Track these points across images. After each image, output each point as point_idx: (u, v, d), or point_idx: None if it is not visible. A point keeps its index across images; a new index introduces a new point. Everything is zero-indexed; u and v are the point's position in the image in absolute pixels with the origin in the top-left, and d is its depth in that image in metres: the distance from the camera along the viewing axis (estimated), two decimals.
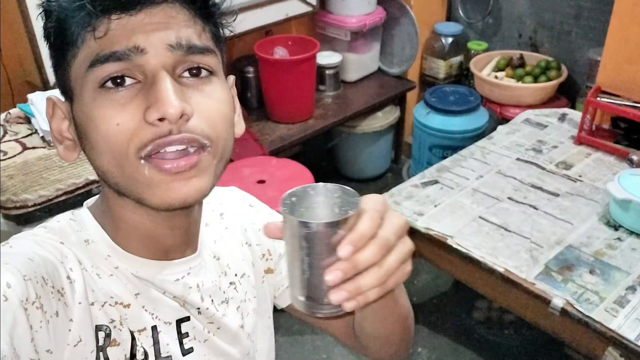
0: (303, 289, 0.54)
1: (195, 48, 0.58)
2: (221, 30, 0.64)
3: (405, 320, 0.76)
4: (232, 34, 0.66)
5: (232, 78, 0.68)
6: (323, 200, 0.56)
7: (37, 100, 1.60)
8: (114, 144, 0.56)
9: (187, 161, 0.56)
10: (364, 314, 0.71)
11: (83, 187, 1.50)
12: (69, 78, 0.59)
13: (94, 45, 0.55)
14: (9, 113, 1.68)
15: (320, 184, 0.57)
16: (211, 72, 0.60)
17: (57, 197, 1.47)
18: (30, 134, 1.60)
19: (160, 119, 0.54)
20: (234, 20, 0.65)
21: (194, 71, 0.58)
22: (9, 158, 1.50)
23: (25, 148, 1.55)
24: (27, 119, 1.65)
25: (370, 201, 0.54)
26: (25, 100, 1.68)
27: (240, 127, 0.68)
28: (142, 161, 0.56)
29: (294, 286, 0.55)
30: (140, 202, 0.59)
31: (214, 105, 0.59)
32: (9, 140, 1.58)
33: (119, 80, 0.56)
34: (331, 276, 0.50)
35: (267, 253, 0.82)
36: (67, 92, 0.60)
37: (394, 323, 0.74)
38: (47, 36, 0.59)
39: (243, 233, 0.80)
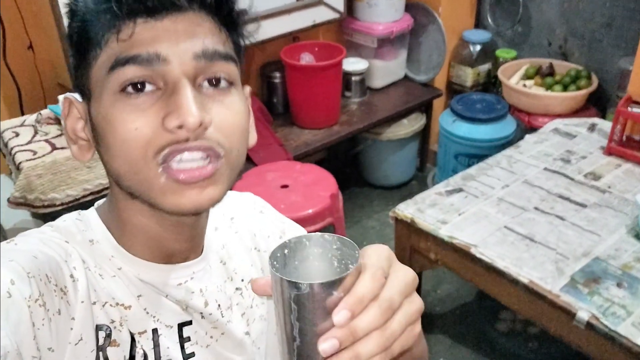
0: (294, 358, 0.47)
1: (219, 54, 0.58)
2: (242, 41, 0.64)
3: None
4: (252, 43, 0.67)
5: (247, 89, 0.69)
6: (319, 252, 0.50)
7: None
8: (130, 148, 0.56)
9: (202, 172, 0.57)
10: None
11: (109, 187, 1.52)
12: (89, 78, 0.59)
13: (117, 47, 0.56)
14: (40, 114, 1.71)
15: (317, 234, 0.50)
16: (231, 83, 0.60)
17: (83, 196, 1.50)
18: (60, 135, 1.63)
19: (179, 127, 0.54)
20: (257, 30, 0.65)
21: (214, 81, 0.59)
22: (38, 157, 1.53)
23: (54, 148, 1.58)
24: (57, 120, 1.68)
25: (373, 255, 0.48)
26: (55, 102, 1.71)
27: (252, 138, 0.68)
28: (160, 169, 0.56)
29: (283, 353, 0.48)
30: (152, 205, 0.59)
31: (231, 116, 0.59)
32: (39, 140, 1.61)
33: (139, 86, 0.56)
34: (325, 345, 0.44)
35: None
36: (86, 93, 0.61)
37: None
38: (70, 35, 0.60)
39: (252, 238, 0.80)
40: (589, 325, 1.27)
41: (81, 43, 0.59)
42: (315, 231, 1.88)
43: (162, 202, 0.57)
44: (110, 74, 0.56)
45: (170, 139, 0.55)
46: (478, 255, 1.48)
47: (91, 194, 1.50)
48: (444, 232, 1.55)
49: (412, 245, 1.68)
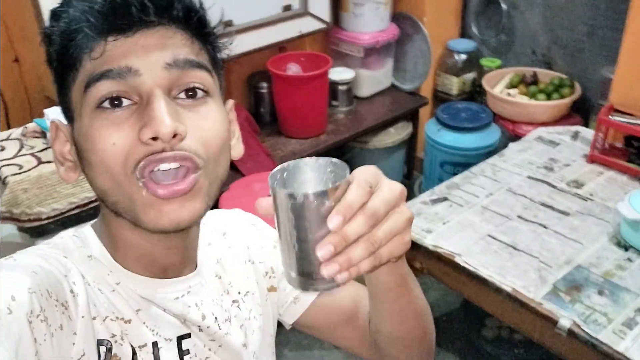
0: (295, 265, 0.52)
1: (191, 62, 0.59)
2: (218, 54, 0.65)
3: (422, 317, 0.74)
4: (238, 54, 0.67)
5: (230, 102, 0.69)
6: (314, 175, 0.55)
7: (53, 115, 1.64)
8: (110, 163, 0.57)
9: (181, 186, 0.57)
10: (380, 309, 0.70)
11: (95, 201, 1.52)
12: (69, 101, 0.60)
13: (90, 66, 0.57)
14: (26, 127, 1.72)
15: (312, 158, 0.55)
16: (207, 93, 0.60)
17: (69, 210, 1.50)
18: (46, 148, 1.64)
19: (154, 138, 0.55)
20: (231, 43, 0.66)
21: (190, 92, 0.59)
22: (24, 172, 1.53)
23: (40, 162, 1.58)
24: (43, 134, 1.69)
25: (360, 171, 0.52)
26: (41, 115, 1.72)
27: (237, 150, 0.69)
28: (140, 183, 0.56)
29: (286, 264, 0.53)
30: (135, 223, 0.59)
31: (208, 125, 0.59)
32: (25, 154, 1.61)
33: (116, 102, 0.57)
34: (322, 251, 0.49)
35: (270, 271, 0.82)
36: (68, 115, 0.62)
37: (410, 319, 0.72)
38: (49, 61, 0.61)
39: (246, 251, 0.81)
40: (570, 332, 1.29)
41: (59, 67, 0.60)
42: None
43: (144, 218, 0.58)
44: (87, 92, 0.57)
45: (146, 151, 0.56)
46: (462, 264, 1.49)
47: (77, 207, 1.50)
48: (428, 241, 1.57)
49: None
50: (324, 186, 0.54)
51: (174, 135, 0.55)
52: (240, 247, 0.80)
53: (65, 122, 0.64)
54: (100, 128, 0.57)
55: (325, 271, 0.49)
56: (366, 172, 0.52)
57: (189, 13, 0.59)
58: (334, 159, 0.54)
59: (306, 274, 0.51)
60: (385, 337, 0.74)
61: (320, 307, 0.84)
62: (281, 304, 0.84)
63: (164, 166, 0.56)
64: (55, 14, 0.59)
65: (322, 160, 0.55)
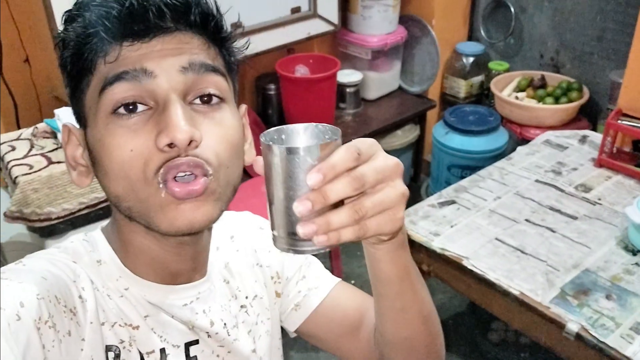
0: (280, 223, 0.50)
1: (207, 66, 0.58)
2: (233, 58, 0.65)
3: (428, 320, 0.71)
4: (247, 56, 0.67)
5: (243, 107, 0.69)
6: (308, 138, 0.54)
7: (64, 116, 1.65)
8: (129, 170, 0.56)
9: (194, 186, 0.56)
10: (383, 307, 0.68)
11: (105, 201, 1.53)
12: (83, 105, 0.60)
13: (105, 70, 0.57)
14: (36, 127, 1.73)
15: (312, 124, 0.54)
16: (222, 99, 0.60)
17: (79, 210, 1.51)
18: (56, 149, 1.65)
19: (170, 145, 0.55)
20: (247, 46, 0.66)
21: (205, 98, 0.59)
22: (34, 172, 1.54)
23: (50, 162, 1.59)
24: (54, 134, 1.70)
25: (357, 139, 0.51)
26: (52, 115, 1.73)
27: (250, 155, 0.68)
28: (160, 185, 0.56)
29: (271, 223, 0.52)
30: (149, 227, 0.59)
31: (222, 132, 0.59)
32: (35, 154, 1.62)
33: (131, 107, 0.56)
34: (299, 206, 0.47)
35: (275, 276, 0.82)
36: (82, 119, 0.61)
37: (416, 320, 0.69)
38: (63, 65, 0.60)
39: (253, 254, 0.80)
40: (578, 336, 1.29)
41: (74, 71, 0.59)
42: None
43: (159, 221, 0.58)
44: (101, 96, 0.57)
45: (164, 157, 0.55)
46: (469, 267, 1.49)
47: (87, 207, 1.51)
48: (436, 244, 1.57)
49: None
50: (309, 142, 0.52)
51: (190, 142, 0.55)
52: (248, 251, 0.80)
53: (77, 126, 0.63)
54: (117, 134, 0.56)
55: (302, 229, 0.48)
56: (361, 141, 0.50)
57: (206, 18, 0.59)
58: (331, 126, 0.53)
59: (289, 233, 0.50)
60: (389, 342, 0.72)
61: (322, 316, 0.82)
62: (283, 311, 0.83)
63: (181, 173, 0.56)
64: (70, 18, 0.59)
65: (321, 126, 0.53)
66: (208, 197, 0.58)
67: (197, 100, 0.59)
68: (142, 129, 0.56)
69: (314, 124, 0.53)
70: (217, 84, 0.59)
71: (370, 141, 0.51)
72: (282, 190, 0.49)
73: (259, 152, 0.54)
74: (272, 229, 0.52)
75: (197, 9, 0.58)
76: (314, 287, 0.82)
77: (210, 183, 0.58)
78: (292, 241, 0.50)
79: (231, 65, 0.64)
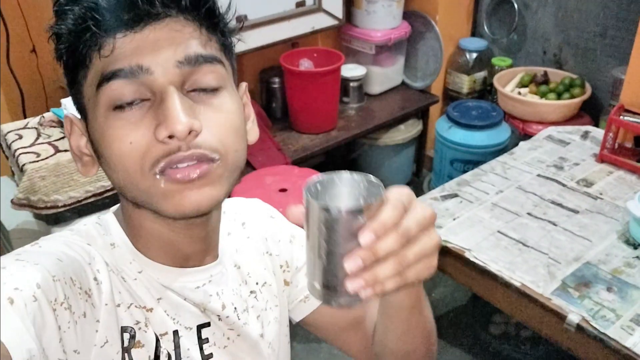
0: (320, 276, 0.52)
1: (203, 58, 0.58)
2: (229, 39, 0.64)
3: (429, 336, 0.74)
4: (238, 41, 0.66)
5: (243, 85, 0.69)
6: (348, 190, 0.55)
7: (70, 105, 1.66)
8: (128, 162, 0.57)
9: (197, 168, 0.57)
10: (389, 326, 0.70)
11: (111, 189, 1.55)
12: (82, 96, 0.60)
13: (100, 64, 0.56)
14: (43, 117, 1.74)
15: (347, 172, 0.55)
16: (220, 84, 0.60)
17: (86, 198, 1.52)
18: (63, 137, 1.66)
19: (170, 136, 0.55)
20: (241, 28, 0.65)
21: (203, 87, 0.59)
22: (41, 160, 1.56)
23: (57, 151, 1.60)
24: (60, 123, 1.71)
25: (395, 191, 0.52)
26: (58, 105, 1.74)
27: (253, 134, 0.68)
28: (157, 176, 0.56)
29: (311, 273, 0.53)
30: (156, 212, 0.60)
31: (222, 118, 0.59)
32: (43, 143, 1.63)
33: (128, 100, 0.56)
34: (350, 264, 0.49)
35: (285, 265, 0.83)
36: (82, 110, 0.62)
37: (418, 338, 0.72)
38: (59, 57, 0.60)
39: (264, 242, 0.81)
40: (579, 328, 1.30)
41: (69, 64, 0.59)
42: None
43: (165, 208, 0.58)
44: (99, 91, 0.57)
45: (164, 150, 0.56)
46: (472, 259, 1.51)
47: (93, 195, 1.53)
48: None
49: None
50: (357, 202, 0.53)
51: (189, 132, 0.55)
52: (258, 238, 0.81)
53: (78, 116, 0.64)
54: (116, 127, 0.57)
55: (350, 285, 0.50)
56: (401, 193, 0.52)
57: (197, 2, 0.58)
58: (370, 176, 0.54)
59: (330, 286, 0.52)
60: (389, 352, 0.75)
61: (328, 309, 0.84)
62: (291, 300, 0.85)
63: (181, 165, 0.57)
64: (59, 12, 0.58)
65: (357, 176, 0.54)
66: (213, 180, 0.58)
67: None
68: (141, 121, 0.56)
69: (349, 172, 0.55)
70: (213, 72, 0.59)
71: (407, 191, 0.53)
72: (326, 246, 0.50)
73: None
74: (312, 279, 0.53)
75: None
76: None
77: (217, 168, 0.58)
78: (332, 293, 0.52)
79: (226, 45, 0.63)
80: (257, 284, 0.78)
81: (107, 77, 0.56)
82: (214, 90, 0.59)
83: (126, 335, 0.62)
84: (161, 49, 0.56)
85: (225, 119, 0.59)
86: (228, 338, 0.72)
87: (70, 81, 0.61)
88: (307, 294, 0.84)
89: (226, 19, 0.63)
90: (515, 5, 2.64)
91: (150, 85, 0.56)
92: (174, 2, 0.57)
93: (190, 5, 0.58)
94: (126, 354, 0.62)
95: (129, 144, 0.56)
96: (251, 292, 0.77)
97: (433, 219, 0.53)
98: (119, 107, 0.56)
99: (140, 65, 0.55)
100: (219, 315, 0.71)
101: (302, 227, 0.53)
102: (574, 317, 1.31)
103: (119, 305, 0.62)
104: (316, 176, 0.54)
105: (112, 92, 0.56)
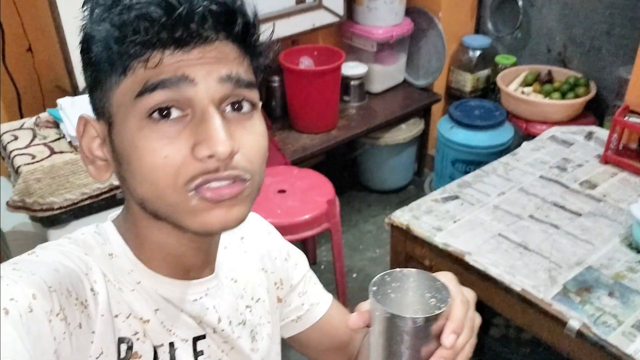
0: None
1: (242, 82, 0.58)
2: (261, 66, 0.65)
3: None
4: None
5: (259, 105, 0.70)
6: (413, 292, 0.58)
7: (66, 106, 1.65)
8: (159, 175, 0.56)
9: (229, 189, 0.57)
10: None
11: (107, 192, 1.53)
12: (109, 103, 0.59)
13: (143, 74, 0.56)
14: (39, 117, 1.73)
15: (412, 270, 0.58)
16: (253, 106, 0.61)
17: (82, 200, 1.51)
18: (59, 139, 1.64)
19: (210, 156, 0.55)
20: (277, 54, 0.67)
21: (236, 105, 0.59)
22: (37, 161, 1.54)
23: (53, 152, 1.59)
24: (56, 124, 1.69)
25: (452, 284, 0.58)
26: (54, 105, 1.73)
27: None
28: (190, 193, 0.57)
29: None
30: (178, 227, 0.60)
31: (255, 141, 0.60)
32: (38, 144, 1.62)
33: (165, 112, 0.56)
34: None
35: (279, 282, 0.84)
36: (105, 115, 0.60)
37: None
38: (87, 59, 0.59)
39: (261, 259, 0.82)
40: (579, 333, 1.28)
41: (103, 68, 0.58)
42: (311, 236, 1.89)
43: (189, 222, 0.58)
44: (138, 100, 0.56)
45: (200, 168, 0.56)
46: (472, 263, 1.48)
47: (89, 198, 1.51)
48: (438, 239, 1.56)
49: (408, 251, 1.69)
50: (421, 297, 0.57)
51: (230, 154, 0.56)
52: (255, 254, 0.82)
53: (95, 118, 0.62)
54: (151, 139, 0.56)
55: None
56: (457, 284, 0.58)
57: (247, 31, 0.59)
58: (436, 280, 0.58)
59: None
60: None
61: (316, 330, 0.88)
62: (282, 318, 0.86)
63: (214, 184, 0.57)
64: (100, 13, 0.57)
65: (422, 273, 0.58)
66: (242, 200, 0.59)
67: (228, 108, 0.59)
68: (178, 136, 0.56)
69: (413, 270, 0.58)
70: (250, 96, 0.60)
71: (454, 277, 0.59)
72: (408, 352, 0.54)
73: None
74: None
75: (242, 20, 0.58)
76: (315, 302, 0.88)
77: (247, 189, 0.59)
78: None
79: (259, 72, 0.64)
80: (252, 299, 0.79)
81: (150, 88, 0.55)
82: (247, 112, 0.60)
83: (123, 347, 0.62)
84: (206, 65, 0.56)
85: (256, 141, 0.60)
86: (222, 351, 0.72)
87: (95, 83, 0.60)
88: (299, 315, 0.87)
89: (267, 51, 0.64)
90: (520, 2, 2.61)
91: (192, 99, 0.56)
92: (226, 29, 0.58)
93: (241, 33, 0.59)
94: None
95: (164, 157, 0.55)
96: (247, 306, 0.78)
97: (475, 300, 0.61)
98: (155, 119, 0.56)
99: (186, 76, 0.55)
100: (214, 328, 0.71)
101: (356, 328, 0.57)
102: (574, 323, 1.29)
103: (117, 316, 0.62)
104: (379, 276, 0.58)
105: (153, 103, 0.55)
